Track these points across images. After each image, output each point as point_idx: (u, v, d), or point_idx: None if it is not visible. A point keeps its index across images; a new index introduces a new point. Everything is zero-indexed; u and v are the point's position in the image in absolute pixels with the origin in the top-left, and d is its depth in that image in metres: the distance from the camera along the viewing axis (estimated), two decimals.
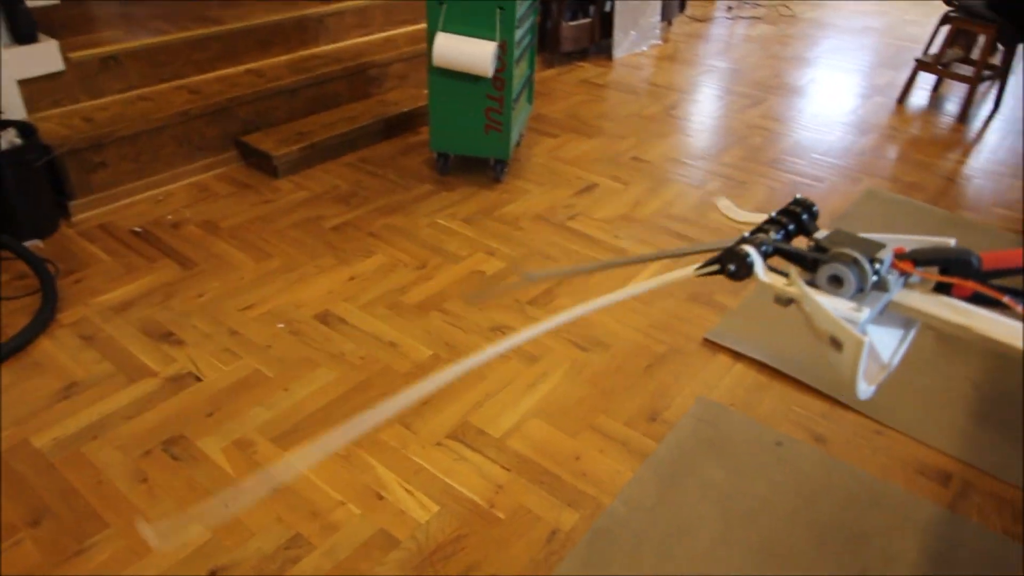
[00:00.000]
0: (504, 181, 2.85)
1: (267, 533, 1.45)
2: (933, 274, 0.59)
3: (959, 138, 3.52)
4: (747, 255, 0.61)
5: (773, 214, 0.68)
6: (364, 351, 1.94)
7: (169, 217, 2.52)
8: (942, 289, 0.58)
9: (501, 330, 2.04)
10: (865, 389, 0.55)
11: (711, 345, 2.04)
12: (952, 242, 0.62)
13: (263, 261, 2.29)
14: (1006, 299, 0.58)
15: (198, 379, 1.82)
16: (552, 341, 2.01)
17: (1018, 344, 0.53)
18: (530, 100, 3.20)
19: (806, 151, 3.28)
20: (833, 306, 0.54)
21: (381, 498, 1.53)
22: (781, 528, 1.52)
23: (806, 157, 3.23)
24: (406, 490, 1.55)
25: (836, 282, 0.59)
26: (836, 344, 0.52)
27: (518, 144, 3.12)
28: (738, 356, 2.00)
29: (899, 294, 0.56)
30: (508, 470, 1.62)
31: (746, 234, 0.64)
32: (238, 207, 2.59)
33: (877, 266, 0.57)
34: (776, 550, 1.47)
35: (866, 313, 0.53)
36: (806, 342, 2.05)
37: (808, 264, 0.61)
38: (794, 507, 1.57)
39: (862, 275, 0.57)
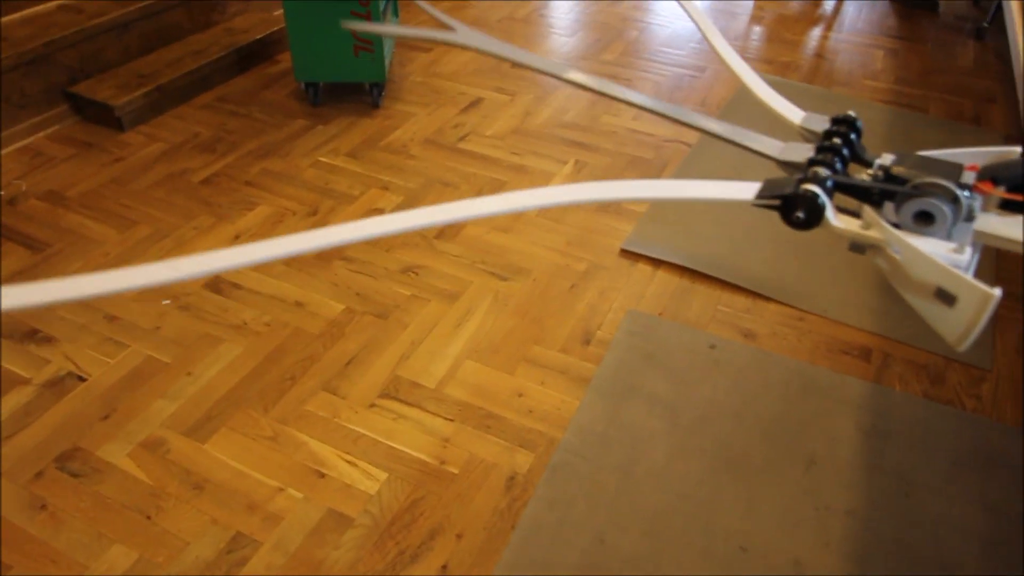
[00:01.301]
0: (384, 106, 2.63)
1: (203, 538, 1.30)
2: (1002, 191, 0.52)
3: (819, 14, 3.58)
4: (817, 197, 0.51)
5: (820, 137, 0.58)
6: (268, 316, 1.76)
7: (1, 193, 2.15)
8: (1014, 207, 0.52)
9: (413, 271, 1.91)
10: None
11: (629, 255, 2.00)
12: (1018, 150, 0.56)
13: (128, 230, 2.02)
14: None
15: (81, 379, 1.59)
16: (469, 274, 1.91)
17: None
18: (396, 13, 2.94)
19: (684, 41, 3.24)
20: (932, 250, 0.46)
21: (322, 476, 1.41)
22: (730, 430, 1.54)
23: (685, 47, 3.18)
24: (348, 462, 1.44)
25: (925, 219, 0.50)
26: (946, 297, 0.44)
27: (390, 64, 2.88)
28: (658, 263, 1.97)
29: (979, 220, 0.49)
30: (451, 420, 1.53)
31: (802, 165, 0.54)
32: (84, 171, 2.25)
33: (967, 193, 0.49)
34: (730, 453, 1.49)
35: (968, 254, 0.46)
36: (722, 240, 2.05)
37: (877, 199, 0.52)
38: (738, 407, 1.59)
39: (957, 208, 0.49)
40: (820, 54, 3.16)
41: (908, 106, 2.78)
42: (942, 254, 0.45)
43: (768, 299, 1.87)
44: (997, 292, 0.42)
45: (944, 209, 0.48)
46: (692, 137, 2.48)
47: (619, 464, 1.46)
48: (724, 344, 1.74)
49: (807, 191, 0.51)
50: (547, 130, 2.54)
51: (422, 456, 1.46)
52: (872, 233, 0.48)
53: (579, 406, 1.57)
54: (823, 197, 0.50)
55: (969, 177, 0.50)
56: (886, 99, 2.83)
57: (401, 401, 1.57)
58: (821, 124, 0.60)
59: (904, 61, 3.11)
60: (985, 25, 3.37)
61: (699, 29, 0.72)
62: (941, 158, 0.53)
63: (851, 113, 0.58)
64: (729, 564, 1.30)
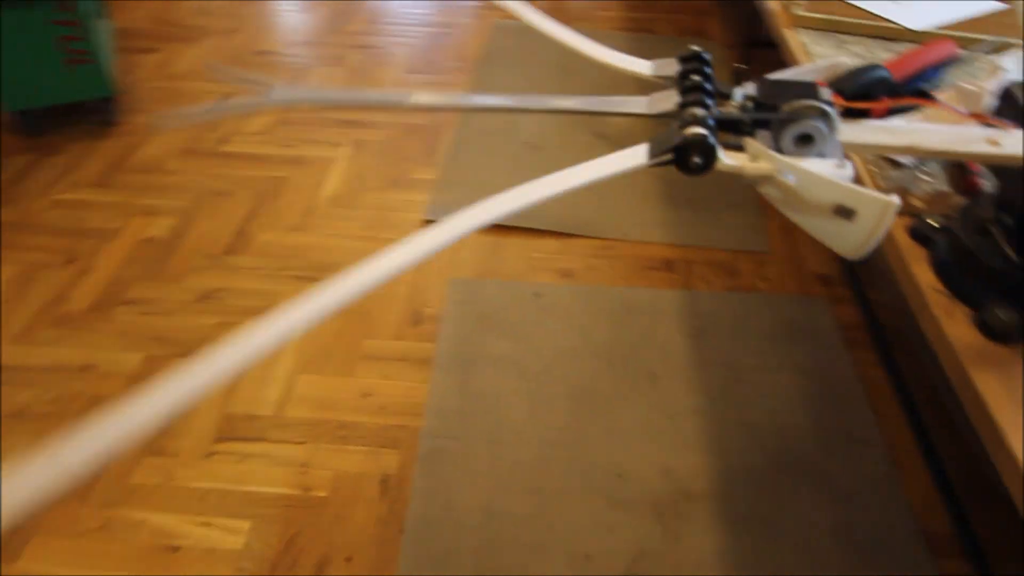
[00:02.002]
0: (122, 122, 2.32)
1: None
2: (841, 100, 0.56)
3: None
4: (705, 137, 0.50)
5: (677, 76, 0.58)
6: (52, 392, 1.51)
7: None
8: (856, 115, 0.56)
9: (211, 296, 1.73)
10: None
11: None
12: (845, 60, 0.60)
13: None
14: (923, 101, 0.58)
15: None
16: (275, 284, 1.77)
17: (980, 148, 0.52)
18: (104, 14, 2.58)
19: None
20: (821, 169, 0.48)
21: (176, 549, 1.26)
22: (576, 368, 1.59)
23: (427, 5, 3.15)
24: (201, 524, 1.29)
25: (805, 141, 0.51)
26: (845, 212, 0.46)
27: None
28: None
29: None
30: (302, 443, 1.43)
31: (677, 111, 0.53)
32: None
33: (832, 109, 0.51)
34: (581, 390, 1.55)
35: (849, 167, 0.48)
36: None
37: (749, 130, 0.53)
38: (576, 345, 1.65)
39: (830, 125, 0.51)
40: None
41: (640, 30, 2.99)
42: (831, 172, 0.48)
43: (574, 236, 1.94)
44: (895, 199, 0.44)
45: (822, 128, 0.50)
46: None
47: (485, 433, 1.45)
48: (547, 289, 1.79)
49: (694, 135, 0.51)
50: (313, 115, 2.40)
51: (283, 490, 1.35)
52: (763, 164, 0.49)
53: (429, 389, 1.54)
54: (710, 137, 0.50)
55: (826, 93, 0.53)
56: (620, 27, 3.02)
57: (241, 439, 1.43)
58: (672, 68, 0.61)
59: None
60: None
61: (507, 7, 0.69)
62: (794, 79, 0.56)
63: (695, 48, 0.59)
64: (611, 493, 1.36)
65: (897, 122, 0.56)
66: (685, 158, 0.51)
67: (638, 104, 0.62)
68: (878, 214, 0.44)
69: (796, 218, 0.50)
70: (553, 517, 1.32)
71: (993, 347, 0.62)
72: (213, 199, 2.04)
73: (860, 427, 1.49)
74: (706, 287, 1.81)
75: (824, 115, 0.50)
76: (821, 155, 0.50)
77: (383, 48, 2.82)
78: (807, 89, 0.53)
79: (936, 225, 0.68)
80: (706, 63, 0.57)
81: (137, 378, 1.54)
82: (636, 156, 0.54)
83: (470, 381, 1.55)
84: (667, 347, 1.65)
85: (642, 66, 0.66)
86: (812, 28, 1.11)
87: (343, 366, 1.58)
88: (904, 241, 0.73)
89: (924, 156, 0.62)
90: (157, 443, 1.41)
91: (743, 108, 0.55)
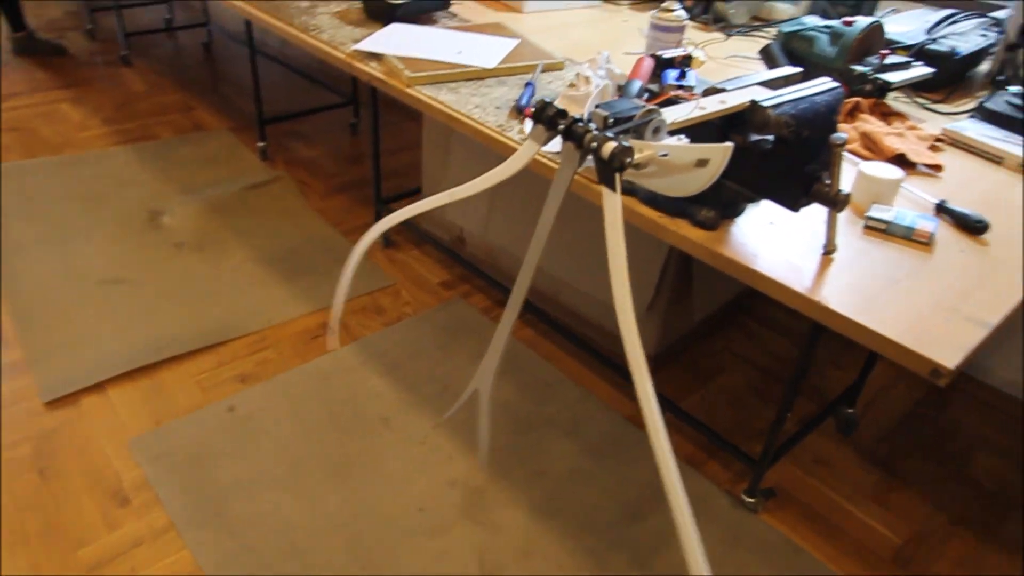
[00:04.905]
0: None
1: None
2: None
3: None
4: (628, 147, 0.67)
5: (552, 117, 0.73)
6: None
7: None
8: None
9: None
10: None
11: (65, 399, 1.68)
12: (608, 83, 0.81)
13: None
14: (684, 94, 0.84)
15: None
16: None
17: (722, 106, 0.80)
18: None
19: None
20: (678, 143, 0.69)
21: None
22: (318, 449, 1.60)
23: None
24: None
25: (657, 131, 0.73)
26: (702, 163, 0.68)
27: None
28: (99, 386, 1.73)
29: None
30: None
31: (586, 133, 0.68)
32: None
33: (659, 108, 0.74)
34: (338, 464, 1.58)
35: (685, 138, 0.71)
36: (124, 327, 1.89)
37: (602, 129, 0.72)
38: (301, 431, 1.65)
39: (663, 118, 0.74)
40: (16, 127, 2.91)
41: (140, 139, 2.89)
42: (685, 143, 0.72)
43: (222, 344, 1.88)
44: (731, 144, 0.71)
45: (665, 120, 0.75)
46: None
47: (278, 551, 1.39)
48: (237, 400, 1.72)
49: (618, 147, 0.70)
50: None
51: None
52: (648, 152, 0.71)
53: (193, 551, 1.38)
54: (624, 141, 0.70)
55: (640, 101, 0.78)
56: (116, 142, 2.86)
57: None
58: (542, 134, 0.78)
59: (96, 104, 3.14)
60: (124, 54, 3.62)
61: None
62: (612, 103, 0.79)
63: (544, 100, 0.77)
64: (424, 526, 1.46)
65: (680, 106, 0.86)
66: (617, 169, 0.71)
67: (527, 153, 0.79)
68: (721, 156, 0.71)
69: (663, 183, 0.75)
70: (391, 573, 1.36)
71: (708, 234, 0.99)
72: None
73: (549, 376, 1.87)
74: (368, 331, 1.98)
75: (658, 113, 0.76)
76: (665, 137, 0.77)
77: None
78: (633, 100, 0.79)
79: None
80: (560, 110, 0.77)
81: None
82: (570, 163, 0.72)
83: (227, 519, 1.44)
84: (376, 391, 1.77)
85: (526, 152, 0.82)
86: (423, 84, 1.36)
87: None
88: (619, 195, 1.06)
89: (710, 118, 0.89)
90: None
91: (607, 125, 0.77)
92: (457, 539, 1.44)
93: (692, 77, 1.00)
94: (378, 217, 2.35)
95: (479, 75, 1.39)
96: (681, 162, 0.72)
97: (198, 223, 2.36)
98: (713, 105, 0.85)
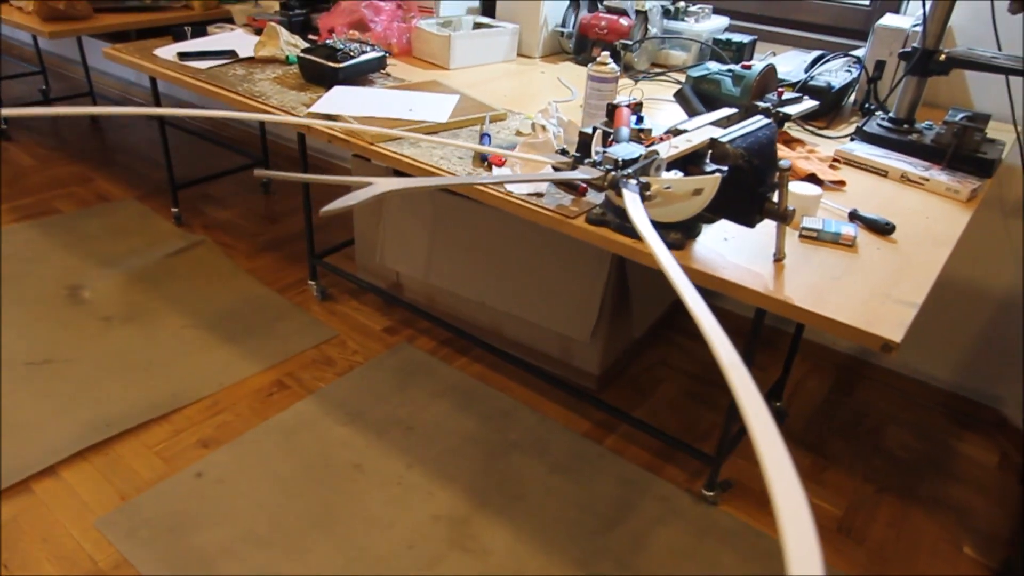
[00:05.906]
0: None
1: None
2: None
3: None
4: (648, 183, 0.78)
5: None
6: None
7: None
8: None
9: None
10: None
11: (19, 484, 1.60)
12: (597, 129, 0.92)
13: None
14: (665, 137, 0.96)
15: None
16: None
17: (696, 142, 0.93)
18: None
19: None
20: (678, 176, 0.81)
21: None
22: (296, 503, 1.61)
23: None
24: None
25: (659, 168, 0.85)
26: (698, 192, 0.81)
27: None
28: (49, 471, 1.65)
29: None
30: None
31: (610, 180, 0.78)
32: None
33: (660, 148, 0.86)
34: (320, 515, 1.59)
35: (680, 173, 0.83)
36: (65, 409, 1.82)
37: (616, 171, 0.83)
38: (276, 486, 1.65)
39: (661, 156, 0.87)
40: None
41: (40, 214, 2.77)
42: (682, 176, 0.85)
43: (175, 412, 1.85)
44: (719, 175, 0.85)
45: (664, 159, 0.88)
46: None
47: None
48: (203, 466, 1.70)
49: (649, 181, 0.81)
50: None
51: None
52: (657, 186, 0.84)
53: None
54: (636, 181, 0.82)
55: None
56: (16, 218, 2.73)
57: None
58: (559, 156, 0.89)
59: None
60: (3, 128, 3.46)
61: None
62: (619, 149, 0.91)
63: (564, 149, 0.88)
64: (418, 564, 1.50)
65: (668, 142, 1.00)
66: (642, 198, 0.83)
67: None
68: (712, 185, 0.85)
69: (664, 212, 0.88)
70: None
71: (677, 253, 1.13)
72: None
73: (505, 404, 1.96)
74: (323, 383, 2.00)
75: (657, 153, 0.90)
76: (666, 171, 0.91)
77: None
78: (636, 143, 0.92)
79: (600, 212, 1.16)
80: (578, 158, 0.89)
81: None
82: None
83: None
84: (343, 439, 1.80)
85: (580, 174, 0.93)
86: (386, 141, 1.44)
87: None
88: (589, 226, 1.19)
89: (683, 155, 1.04)
90: None
91: (616, 166, 0.89)
92: (451, 569, 1.49)
93: (647, 121, 1.15)
94: (313, 272, 2.39)
95: (434, 129, 1.50)
96: (681, 192, 0.86)
97: (124, 295, 2.30)
98: (682, 143, 1.00)
